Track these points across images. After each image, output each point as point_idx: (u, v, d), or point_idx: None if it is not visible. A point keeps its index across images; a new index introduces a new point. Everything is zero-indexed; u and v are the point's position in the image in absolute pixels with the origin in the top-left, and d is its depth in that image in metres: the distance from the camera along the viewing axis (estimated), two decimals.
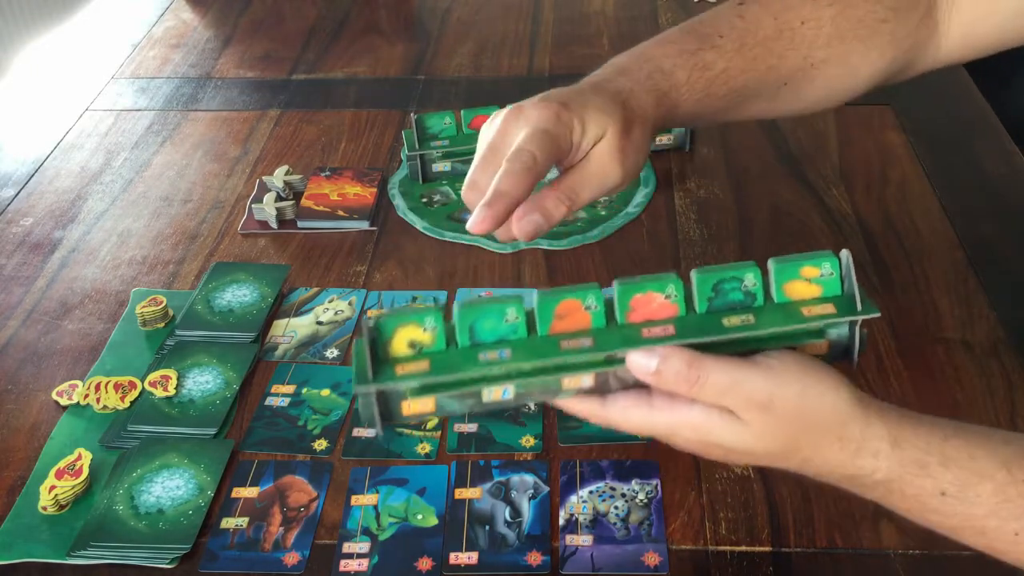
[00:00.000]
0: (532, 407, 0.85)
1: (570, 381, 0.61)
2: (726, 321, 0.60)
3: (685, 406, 0.59)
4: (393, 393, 0.60)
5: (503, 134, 0.69)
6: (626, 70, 0.74)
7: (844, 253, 0.61)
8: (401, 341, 0.60)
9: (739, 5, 0.80)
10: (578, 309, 0.60)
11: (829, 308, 0.61)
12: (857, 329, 0.61)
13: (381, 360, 0.60)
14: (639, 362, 0.59)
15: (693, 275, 0.61)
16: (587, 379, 0.61)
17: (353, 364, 0.60)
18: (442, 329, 0.60)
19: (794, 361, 0.59)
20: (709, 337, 0.60)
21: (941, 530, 0.61)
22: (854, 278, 0.61)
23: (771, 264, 0.62)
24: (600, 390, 0.61)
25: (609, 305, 0.61)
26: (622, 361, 0.60)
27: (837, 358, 0.62)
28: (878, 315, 0.60)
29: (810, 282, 0.61)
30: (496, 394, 0.60)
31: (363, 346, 0.59)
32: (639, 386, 0.61)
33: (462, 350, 0.60)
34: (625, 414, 0.61)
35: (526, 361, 0.60)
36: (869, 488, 0.60)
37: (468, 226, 0.65)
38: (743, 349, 0.60)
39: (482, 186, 0.67)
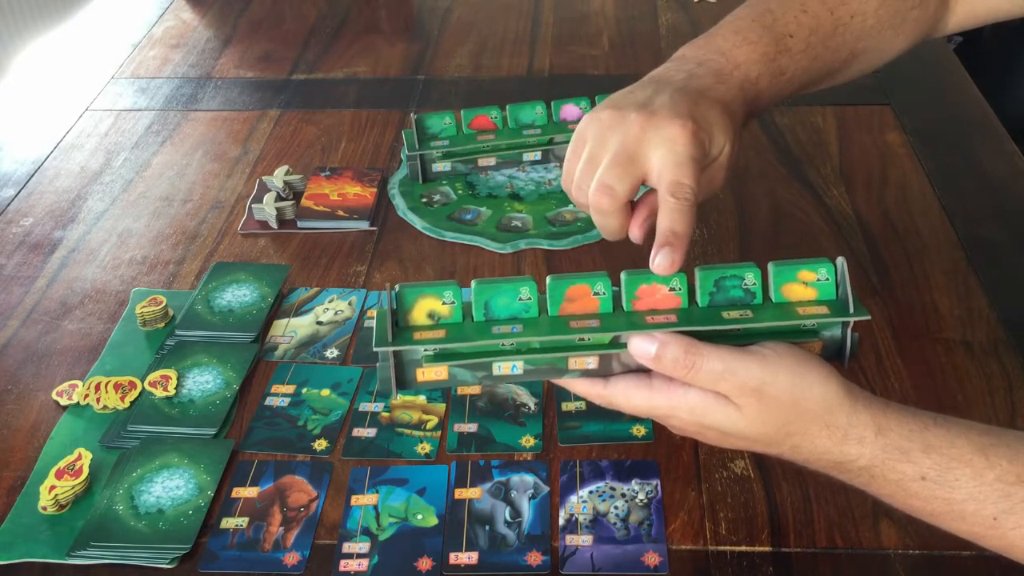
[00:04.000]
0: (532, 407, 0.85)
1: (576, 361, 0.65)
2: (725, 315, 0.64)
3: (682, 389, 0.63)
4: (410, 360, 0.64)
5: (640, 142, 0.70)
6: (721, 76, 0.77)
7: (840, 260, 0.65)
8: (421, 311, 0.65)
9: None
10: (587, 294, 0.64)
11: (823, 310, 0.65)
12: (848, 331, 0.65)
13: (401, 327, 0.64)
14: (640, 346, 0.63)
15: (696, 271, 0.65)
16: (592, 360, 0.65)
17: (375, 330, 0.64)
18: (460, 303, 0.65)
19: (787, 351, 0.62)
20: (709, 327, 0.63)
21: (923, 516, 0.63)
22: (848, 284, 0.64)
23: (770, 266, 0.65)
24: (603, 372, 0.65)
25: (616, 294, 0.65)
26: (625, 345, 0.63)
27: (830, 359, 0.65)
28: (868, 318, 0.64)
29: (807, 285, 0.65)
30: (506, 368, 0.65)
31: (385, 313, 0.63)
32: (641, 370, 0.64)
33: (477, 323, 0.64)
34: (626, 394, 0.65)
35: (537, 336, 0.63)
36: (854, 474, 0.63)
37: (658, 269, 0.65)
38: (740, 342, 0.63)
39: (618, 193, 0.70)
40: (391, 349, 0.63)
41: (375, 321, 0.65)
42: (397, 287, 0.65)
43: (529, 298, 0.65)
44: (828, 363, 0.63)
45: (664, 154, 0.69)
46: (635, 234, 0.72)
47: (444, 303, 0.65)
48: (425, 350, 0.64)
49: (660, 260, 0.65)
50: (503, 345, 0.64)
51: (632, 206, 0.72)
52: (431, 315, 0.65)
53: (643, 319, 0.64)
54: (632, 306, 0.65)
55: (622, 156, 0.70)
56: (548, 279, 0.65)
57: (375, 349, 0.63)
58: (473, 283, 0.64)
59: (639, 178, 0.71)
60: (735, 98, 0.76)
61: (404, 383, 0.65)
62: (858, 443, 0.61)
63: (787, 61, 0.80)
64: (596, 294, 0.64)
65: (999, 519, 0.60)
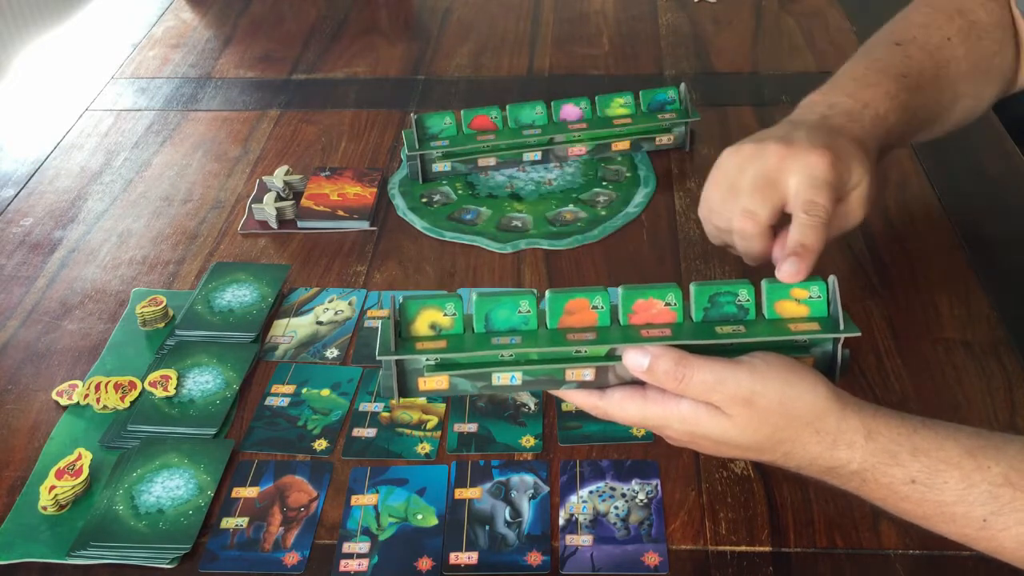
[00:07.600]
0: (532, 407, 0.85)
1: (573, 373, 0.66)
2: (719, 329, 0.66)
3: (674, 400, 0.64)
4: (412, 368, 0.66)
5: (779, 171, 0.75)
6: (852, 115, 0.82)
7: (831, 279, 0.68)
8: (423, 323, 0.66)
9: (897, 45, 0.89)
10: (585, 307, 0.66)
11: (814, 327, 0.67)
12: (839, 348, 0.67)
13: (404, 338, 0.66)
14: (633, 359, 0.64)
15: (692, 287, 0.67)
16: (588, 372, 0.66)
17: (378, 339, 0.66)
18: (461, 315, 0.66)
19: (776, 361, 0.64)
20: (702, 341, 0.65)
21: (915, 519, 0.64)
22: (839, 302, 0.67)
23: (764, 283, 0.68)
24: (599, 383, 0.67)
25: (614, 308, 0.67)
26: (621, 358, 0.65)
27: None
28: (858, 334, 0.66)
29: (799, 302, 0.68)
30: (505, 379, 0.67)
31: (388, 323, 0.65)
32: (636, 382, 0.66)
33: (477, 335, 0.66)
34: (621, 405, 0.66)
35: (535, 348, 0.65)
36: (845, 479, 0.64)
37: (783, 276, 0.69)
38: (733, 356, 0.65)
39: (761, 217, 0.75)
40: (394, 358, 0.65)
41: (379, 331, 0.66)
42: (401, 299, 0.66)
43: (528, 311, 0.66)
44: (815, 371, 0.64)
45: (802, 179, 0.73)
46: (778, 256, 0.75)
47: (446, 315, 0.66)
48: (427, 360, 0.66)
49: (787, 268, 0.69)
50: (502, 356, 0.66)
51: (774, 233, 0.76)
52: (433, 326, 0.66)
53: (639, 332, 0.66)
54: (628, 320, 0.66)
55: (762, 182, 0.74)
56: (547, 293, 0.67)
57: (378, 358, 0.65)
58: (474, 296, 0.66)
59: (779, 203, 0.75)
60: (868, 135, 0.80)
61: (406, 391, 0.67)
62: (848, 448, 0.62)
63: (907, 97, 0.85)
64: (594, 307, 0.66)
65: (989, 521, 0.60)
